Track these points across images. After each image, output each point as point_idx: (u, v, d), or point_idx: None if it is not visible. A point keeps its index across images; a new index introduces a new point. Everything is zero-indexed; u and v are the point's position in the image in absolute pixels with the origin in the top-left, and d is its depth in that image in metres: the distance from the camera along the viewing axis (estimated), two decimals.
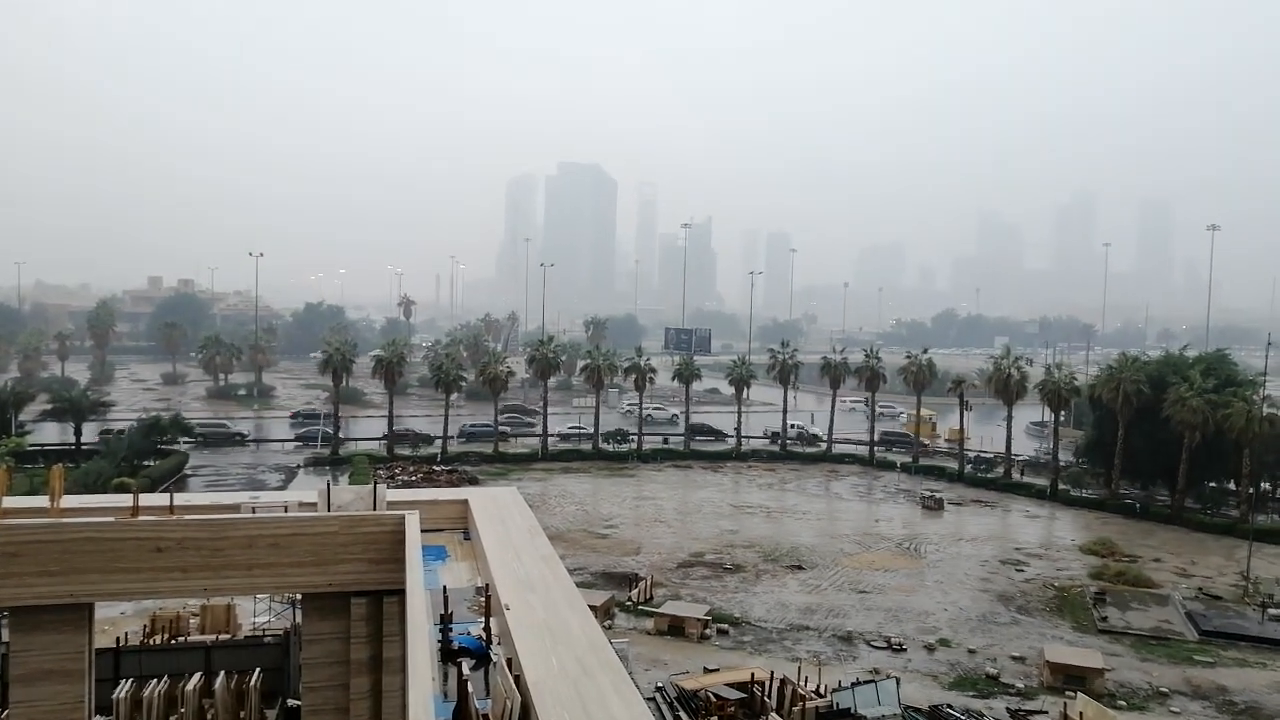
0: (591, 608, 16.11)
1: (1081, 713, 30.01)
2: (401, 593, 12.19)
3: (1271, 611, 43.16)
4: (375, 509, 15.34)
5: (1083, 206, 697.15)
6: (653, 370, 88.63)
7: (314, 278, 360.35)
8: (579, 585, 38.38)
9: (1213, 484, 68.38)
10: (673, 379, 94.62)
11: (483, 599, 12.51)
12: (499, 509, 17.07)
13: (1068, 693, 32.53)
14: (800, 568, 49.98)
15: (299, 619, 22.67)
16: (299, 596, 20.33)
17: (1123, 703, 33.20)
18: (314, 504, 15.72)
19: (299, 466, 74.64)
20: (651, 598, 43.21)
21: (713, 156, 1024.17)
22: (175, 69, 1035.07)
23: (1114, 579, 49.34)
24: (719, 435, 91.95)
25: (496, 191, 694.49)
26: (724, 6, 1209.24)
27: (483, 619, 11.92)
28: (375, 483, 16.53)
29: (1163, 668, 37.11)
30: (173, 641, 28.57)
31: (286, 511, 15.39)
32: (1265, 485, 68.25)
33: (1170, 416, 63.45)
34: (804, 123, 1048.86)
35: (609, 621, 39.19)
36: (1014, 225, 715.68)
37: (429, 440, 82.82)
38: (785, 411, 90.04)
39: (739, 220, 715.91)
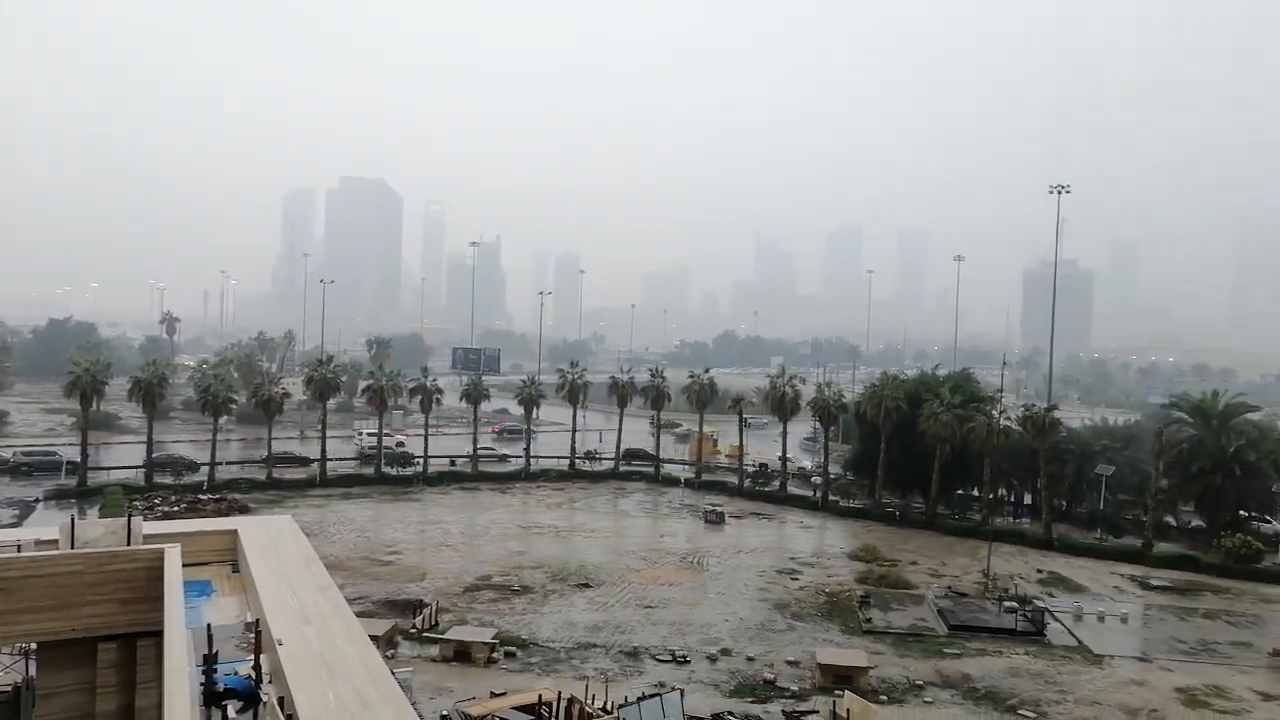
0: (373, 638, 15.53)
1: (849, 709, 32.03)
2: (159, 634, 11.25)
3: (1007, 604, 47.81)
4: (129, 544, 14.08)
5: (850, 236, 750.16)
6: (439, 391, 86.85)
7: (60, 291, 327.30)
8: (360, 615, 36.78)
9: (960, 491, 75.10)
10: (461, 399, 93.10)
11: (253, 635, 11.76)
12: (272, 539, 16.13)
13: (837, 692, 34.60)
14: (588, 586, 50.38)
15: (34, 672, 20.33)
16: (33, 646, 18.22)
17: (884, 697, 35.70)
18: (55, 541, 14.23)
19: (37, 500, 67.17)
20: (437, 624, 42.15)
21: (504, 178, 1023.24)
22: None
23: (877, 583, 53.07)
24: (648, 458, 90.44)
25: (271, 201, 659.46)
26: (531, 31, 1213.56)
27: (252, 657, 11.21)
28: (130, 515, 15.19)
29: (918, 662, 40.25)
30: None
31: (20, 551, 13.83)
32: (1003, 491, 75.79)
33: (924, 430, 69.19)
34: (599, 152, 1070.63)
35: (392, 651, 37.85)
36: (789, 253, 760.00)
37: (195, 467, 77.07)
38: (574, 431, 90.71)
39: (529, 241, 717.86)
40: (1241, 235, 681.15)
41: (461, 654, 38.06)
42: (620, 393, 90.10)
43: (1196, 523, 69.18)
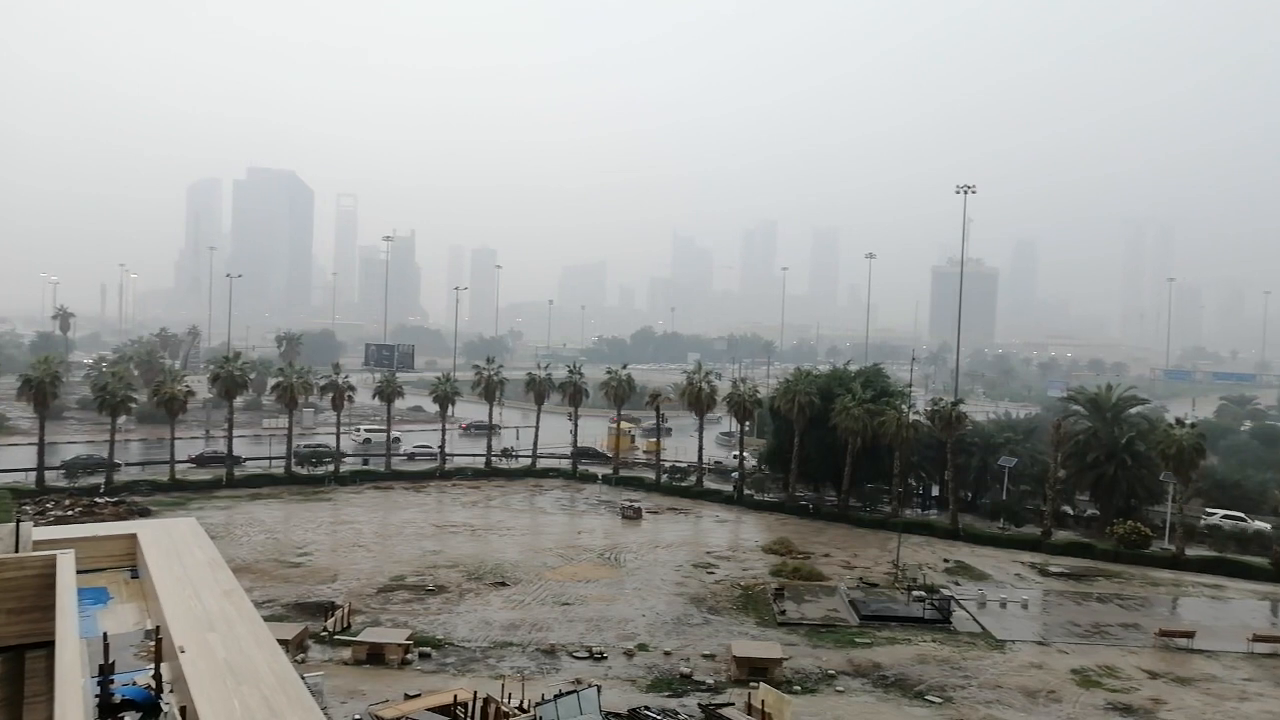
0: (282, 642, 15.14)
1: (763, 700, 32.54)
2: (50, 644, 10.78)
3: (915, 594, 49.23)
4: (17, 551, 13.45)
5: (765, 234, 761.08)
6: (352, 388, 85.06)
7: None
8: (268, 619, 35.85)
9: (871, 484, 76.94)
10: (374, 397, 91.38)
11: (153, 643, 11.36)
12: (174, 542, 15.60)
13: (752, 684, 35.10)
14: (504, 584, 50.05)
15: None
16: None
17: (798, 687, 36.40)
18: None
19: None
20: (349, 626, 41.35)
21: (420, 172, 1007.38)
22: None
23: (791, 575, 54.03)
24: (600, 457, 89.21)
25: (174, 191, 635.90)
26: (445, 25, 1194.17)
27: (152, 666, 10.83)
28: (18, 520, 14.50)
29: (830, 652, 41.14)
30: None
31: None
32: (912, 483, 77.93)
33: (837, 425, 70.66)
34: (516, 148, 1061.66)
35: (302, 655, 37.01)
36: (707, 250, 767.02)
37: (93, 469, 73.87)
38: (490, 428, 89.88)
39: (445, 236, 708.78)
40: (1131, 236, 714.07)
41: (375, 656, 37.41)
42: (538, 389, 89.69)
43: (1092, 511, 72.28)
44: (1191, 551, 61.31)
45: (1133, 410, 75.17)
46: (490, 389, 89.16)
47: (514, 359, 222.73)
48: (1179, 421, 67.46)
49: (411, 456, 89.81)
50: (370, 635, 39.13)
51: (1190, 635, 44.46)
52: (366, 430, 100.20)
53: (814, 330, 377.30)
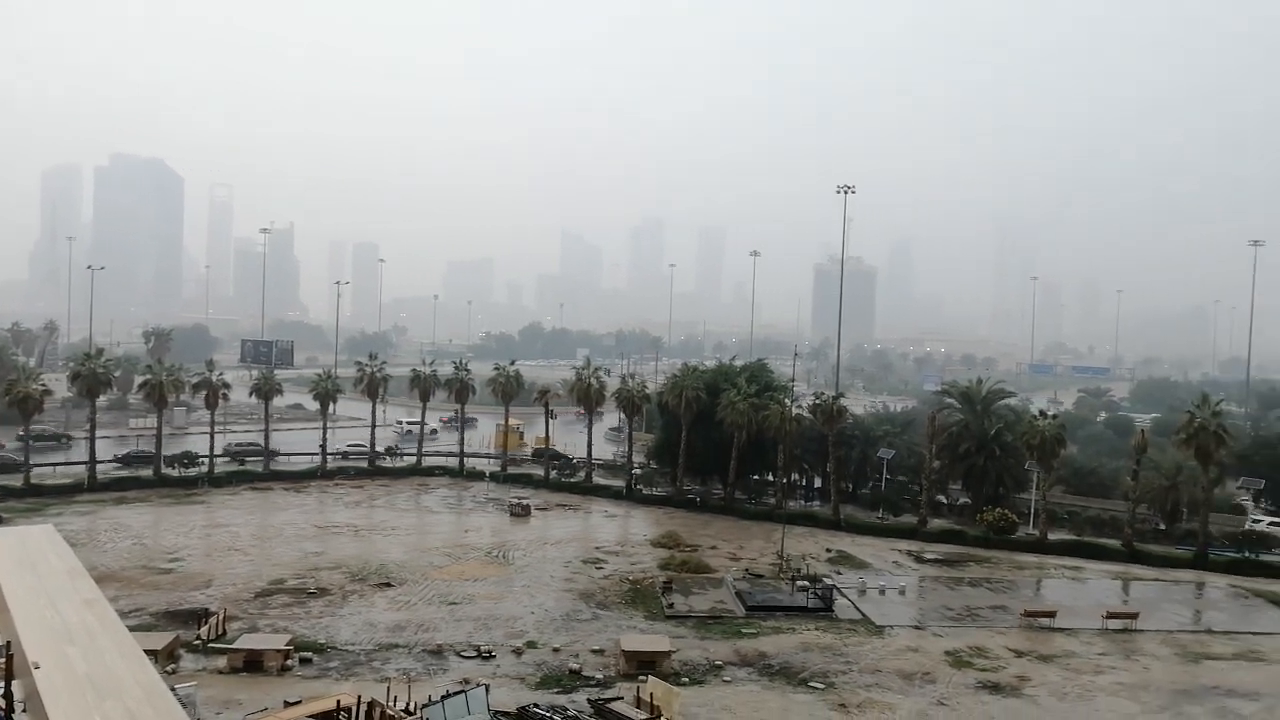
0: (150, 653, 14.43)
1: (652, 693, 32.81)
2: None
3: (799, 583, 50.47)
4: None
5: (653, 232, 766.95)
6: (226, 386, 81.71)
7: None
8: (136, 629, 34.29)
9: (756, 476, 78.50)
10: (251, 395, 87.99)
11: (2, 660, 10.61)
12: (28, 551, 14.61)
13: (640, 677, 35.34)
14: (389, 585, 48.96)
15: None
16: None
17: (686, 679, 36.82)
18: None
19: None
20: (224, 633, 39.69)
21: (302, 165, 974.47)
22: None
23: (679, 568, 54.61)
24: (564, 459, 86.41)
25: (27, 177, 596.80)
26: (329, 12, 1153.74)
27: (2, 683, 10.12)
28: None
29: (717, 643, 41.78)
30: None
31: None
32: (796, 475, 79.86)
33: (723, 419, 71.77)
34: (399, 142, 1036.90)
35: (173, 666, 35.34)
36: (595, 246, 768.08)
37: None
38: (374, 426, 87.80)
39: (326, 231, 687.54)
40: (999, 236, 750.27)
41: (253, 663, 36.02)
42: (422, 386, 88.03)
43: (964, 499, 75.58)
44: (1053, 535, 64.84)
45: (1001, 403, 78.93)
46: (373, 386, 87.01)
47: (398, 355, 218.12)
48: (1042, 413, 71.28)
49: (345, 455, 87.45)
50: (247, 642, 37.66)
51: (1052, 615, 47.01)
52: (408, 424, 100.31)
53: (701, 327, 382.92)
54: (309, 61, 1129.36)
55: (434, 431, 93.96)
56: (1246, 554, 61.78)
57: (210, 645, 38.26)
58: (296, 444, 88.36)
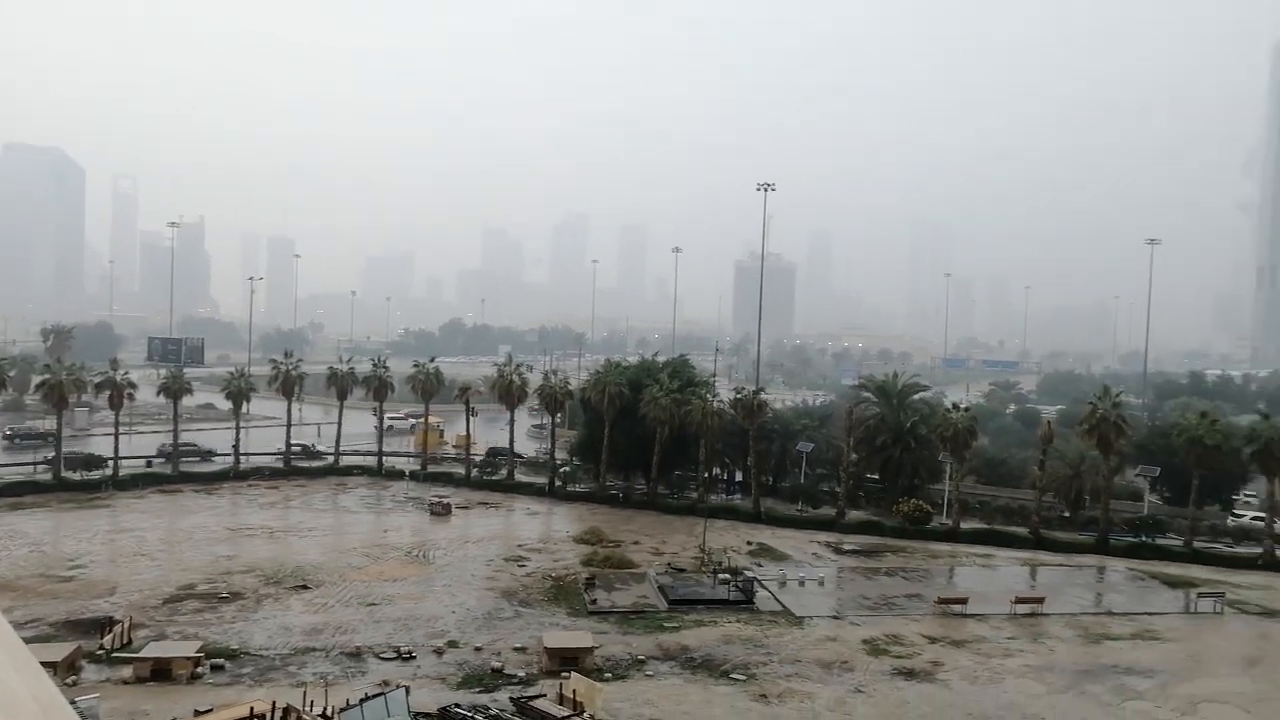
0: (48, 665, 13.79)
1: (575, 690, 32.76)
2: None
3: (721, 576, 50.99)
4: None
5: (576, 228, 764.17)
6: (132, 385, 78.69)
7: None
8: (32, 640, 32.79)
9: (679, 471, 78.97)
10: (158, 394, 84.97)
11: None
12: None
13: (563, 674, 35.26)
14: (306, 587, 47.85)
15: None
16: None
17: (609, 675, 36.87)
18: None
19: None
20: (130, 642, 38.25)
21: (211, 156, 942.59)
22: None
23: (602, 564, 54.63)
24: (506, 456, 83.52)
25: None
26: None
27: None
28: None
29: (640, 638, 41.93)
30: None
31: None
32: (717, 470, 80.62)
33: (646, 414, 72.03)
34: (314, 134, 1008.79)
35: (74, 677, 33.93)
36: (517, 242, 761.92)
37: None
38: (289, 425, 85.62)
39: (238, 225, 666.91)
40: (914, 234, 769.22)
41: (160, 672, 34.80)
42: (339, 384, 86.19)
43: (881, 491, 77.27)
44: (966, 525, 66.80)
45: (916, 396, 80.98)
46: (289, 384, 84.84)
47: (315, 353, 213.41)
48: (955, 406, 73.35)
49: (318, 454, 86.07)
50: (154, 650, 36.37)
51: (964, 601, 48.45)
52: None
53: (624, 322, 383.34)
54: (220, 48, 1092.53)
55: (413, 428, 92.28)
56: (1144, 538, 64.66)
57: (114, 655, 36.83)
58: (221, 444, 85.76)
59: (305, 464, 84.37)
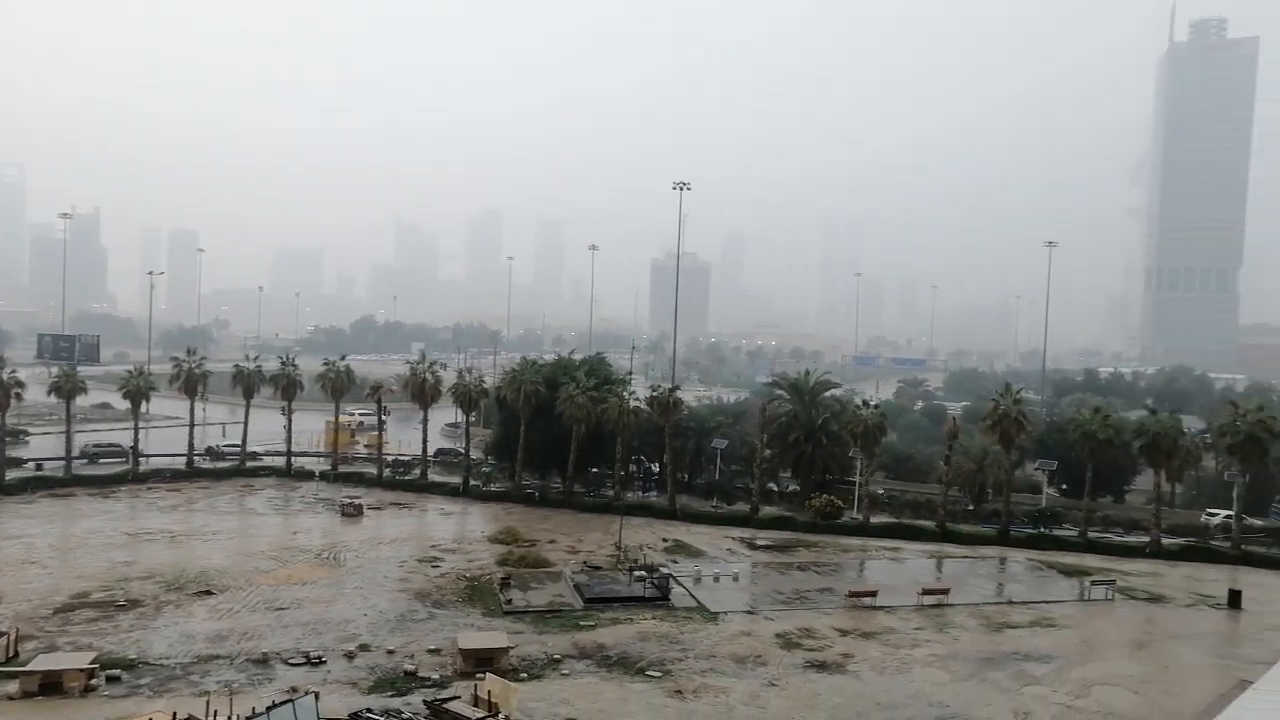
0: None
1: (489, 690, 32.46)
2: None
3: (636, 574, 51.13)
4: None
5: (491, 224, 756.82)
6: (20, 384, 74.73)
7: None
8: None
9: (595, 469, 78.98)
10: (49, 394, 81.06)
11: None
12: None
13: (478, 675, 34.88)
14: (210, 593, 46.28)
15: None
16: None
17: (524, 675, 36.63)
18: None
19: None
20: (17, 654, 36.38)
21: (104, 143, 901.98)
22: None
23: (518, 563, 54.24)
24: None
25: None
26: None
27: None
28: None
29: (556, 637, 41.78)
30: None
31: None
32: (633, 467, 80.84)
33: (562, 413, 71.79)
34: (219, 124, 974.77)
35: None
36: (431, 238, 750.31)
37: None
38: (192, 426, 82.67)
39: (137, 217, 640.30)
40: (826, 234, 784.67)
41: (51, 685, 33.18)
42: (246, 382, 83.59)
43: (794, 486, 78.66)
44: (875, 519, 68.45)
45: (827, 393, 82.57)
46: (191, 383, 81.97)
47: (220, 350, 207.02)
48: (865, 403, 75.10)
49: (222, 455, 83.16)
50: (44, 662, 34.67)
51: (874, 594, 49.63)
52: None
53: (540, 320, 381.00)
54: (123, 31, 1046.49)
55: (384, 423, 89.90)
56: (1042, 529, 67.28)
57: (1, 669, 35.01)
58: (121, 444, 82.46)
59: (210, 465, 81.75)
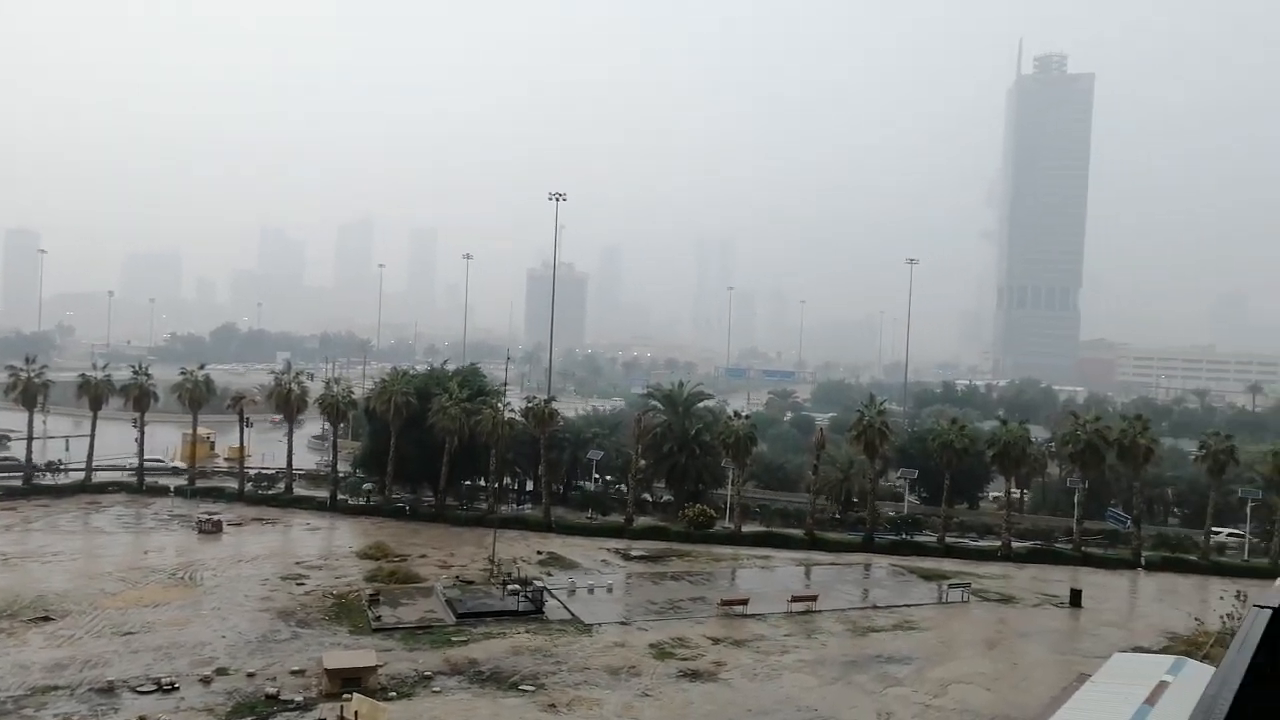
0: None
1: (357, 711, 31.48)
2: None
3: (510, 587, 50.58)
4: None
5: (361, 230, 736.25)
6: None
7: None
8: None
9: (469, 482, 77.79)
10: None
11: None
12: None
13: (345, 695, 33.76)
14: (48, 619, 43.22)
15: None
16: None
17: (394, 693, 35.68)
18: None
19: None
20: None
21: None
22: None
23: (387, 579, 52.83)
24: None
25: None
26: None
27: None
28: None
29: (427, 654, 40.87)
30: None
31: None
32: (508, 480, 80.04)
33: (434, 424, 70.46)
34: (67, 107, 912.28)
35: None
36: (298, 243, 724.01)
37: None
38: (31, 439, 77.15)
39: None
40: (700, 248, 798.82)
41: None
42: (93, 393, 78.58)
43: (668, 496, 79.45)
44: (747, 528, 69.86)
45: (700, 405, 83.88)
46: (30, 393, 76.49)
47: (65, 358, 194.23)
48: (736, 414, 76.65)
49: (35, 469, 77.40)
50: None
51: (745, 602, 50.61)
52: None
53: (412, 329, 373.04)
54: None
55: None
56: (904, 536, 70.16)
57: None
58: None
59: (50, 482, 76.44)
